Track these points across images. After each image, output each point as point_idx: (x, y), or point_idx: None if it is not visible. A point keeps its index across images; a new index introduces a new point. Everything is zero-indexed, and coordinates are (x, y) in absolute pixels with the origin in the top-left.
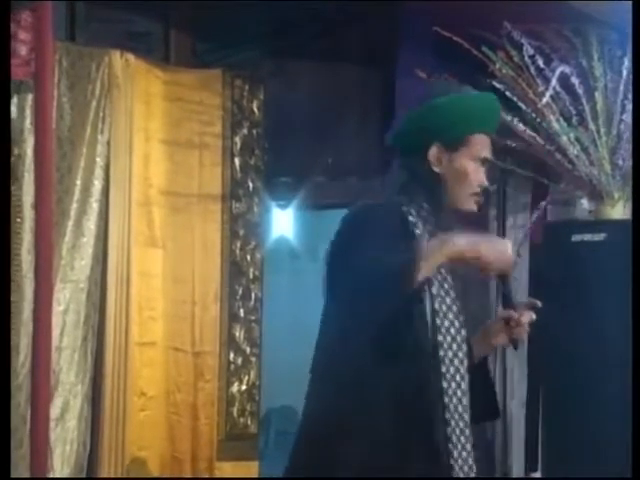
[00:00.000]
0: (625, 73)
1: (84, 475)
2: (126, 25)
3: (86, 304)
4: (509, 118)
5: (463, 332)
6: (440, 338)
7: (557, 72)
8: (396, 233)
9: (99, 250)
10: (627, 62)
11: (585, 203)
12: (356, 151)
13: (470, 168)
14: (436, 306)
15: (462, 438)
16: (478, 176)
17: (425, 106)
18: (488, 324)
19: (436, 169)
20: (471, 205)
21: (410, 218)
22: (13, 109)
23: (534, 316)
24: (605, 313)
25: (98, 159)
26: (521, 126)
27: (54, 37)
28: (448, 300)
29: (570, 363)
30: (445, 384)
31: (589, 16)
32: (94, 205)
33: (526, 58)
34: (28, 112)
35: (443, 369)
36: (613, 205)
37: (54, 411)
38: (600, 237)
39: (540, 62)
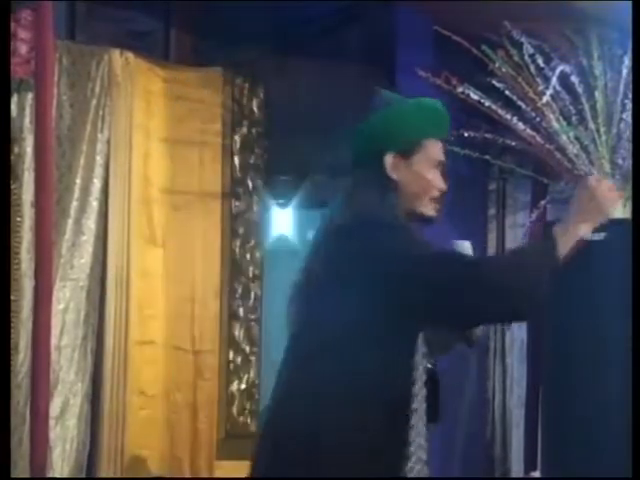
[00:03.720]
0: (625, 72)
1: (84, 474)
2: (126, 23)
3: (86, 303)
4: (509, 117)
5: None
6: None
7: (557, 71)
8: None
9: (99, 249)
10: (627, 61)
11: None
12: None
13: (429, 173)
14: None
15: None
16: (437, 181)
17: (377, 116)
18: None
19: (394, 176)
20: (430, 211)
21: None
22: (13, 107)
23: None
24: (605, 313)
25: (98, 157)
26: (521, 125)
27: (54, 36)
28: None
29: (570, 363)
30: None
31: (589, 15)
32: (94, 203)
33: (526, 57)
34: (28, 111)
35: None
36: None
37: (54, 410)
38: (600, 236)
39: (540, 61)
